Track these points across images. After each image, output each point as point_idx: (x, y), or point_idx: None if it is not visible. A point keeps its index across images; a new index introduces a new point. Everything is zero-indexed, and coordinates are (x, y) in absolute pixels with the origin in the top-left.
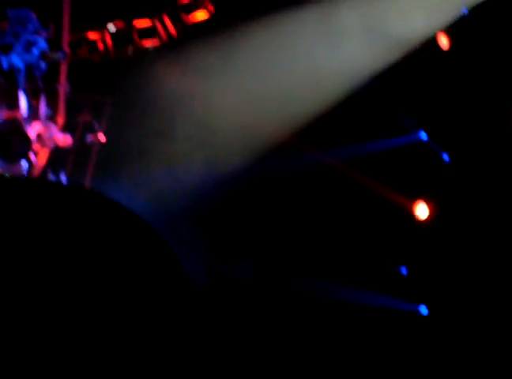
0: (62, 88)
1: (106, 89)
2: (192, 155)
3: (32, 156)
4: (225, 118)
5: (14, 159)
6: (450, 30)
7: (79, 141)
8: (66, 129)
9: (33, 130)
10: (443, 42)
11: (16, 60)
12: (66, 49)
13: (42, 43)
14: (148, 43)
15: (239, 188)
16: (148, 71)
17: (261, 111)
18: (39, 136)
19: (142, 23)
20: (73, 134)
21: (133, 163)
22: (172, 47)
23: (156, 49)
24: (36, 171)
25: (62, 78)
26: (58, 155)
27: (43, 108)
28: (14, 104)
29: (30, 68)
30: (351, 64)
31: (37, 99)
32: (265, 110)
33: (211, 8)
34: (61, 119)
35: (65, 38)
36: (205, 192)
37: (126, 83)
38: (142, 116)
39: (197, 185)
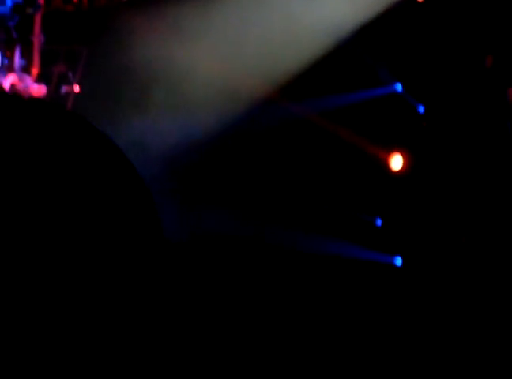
0: (37, 38)
1: (81, 40)
2: (168, 111)
3: None
4: (202, 75)
5: None
6: None
7: (54, 92)
8: (41, 79)
9: (8, 81)
10: None
11: None
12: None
13: None
14: None
15: (216, 143)
16: (124, 25)
17: (239, 68)
18: (13, 87)
19: None
20: (47, 85)
21: (108, 114)
22: (148, 6)
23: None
24: None
25: (37, 29)
26: None
27: (17, 59)
28: None
29: (3, 19)
30: (327, 18)
31: (11, 50)
32: (243, 66)
33: None
34: (35, 70)
35: None
36: (181, 147)
37: (102, 34)
38: (117, 69)
39: (173, 139)
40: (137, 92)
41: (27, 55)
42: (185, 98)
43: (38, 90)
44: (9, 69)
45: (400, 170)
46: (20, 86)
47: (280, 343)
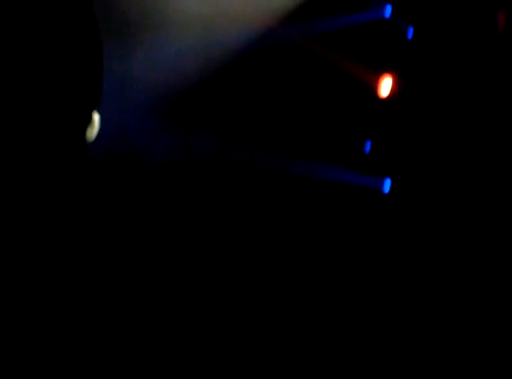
0: None
1: None
2: (156, 49)
3: None
4: (191, 15)
5: None
6: None
7: None
8: None
9: None
10: None
11: None
12: None
13: None
14: None
15: (207, 72)
16: None
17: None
18: None
19: None
20: None
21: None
22: None
23: None
24: None
25: None
26: None
27: None
28: None
29: None
30: None
31: None
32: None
33: None
34: None
35: None
36: (172, 77)
37: None
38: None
39: (163, 70)
40: (125, 34)
41: None
42: (174, 37)
43: None
44: None
45: (389, 95)
46: None
47: (258, 273)
